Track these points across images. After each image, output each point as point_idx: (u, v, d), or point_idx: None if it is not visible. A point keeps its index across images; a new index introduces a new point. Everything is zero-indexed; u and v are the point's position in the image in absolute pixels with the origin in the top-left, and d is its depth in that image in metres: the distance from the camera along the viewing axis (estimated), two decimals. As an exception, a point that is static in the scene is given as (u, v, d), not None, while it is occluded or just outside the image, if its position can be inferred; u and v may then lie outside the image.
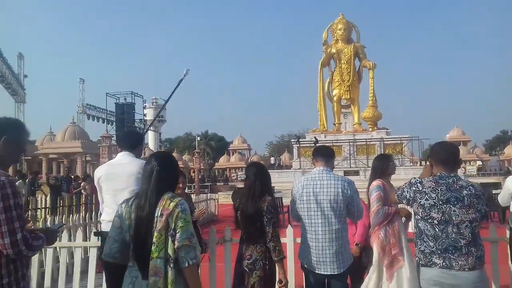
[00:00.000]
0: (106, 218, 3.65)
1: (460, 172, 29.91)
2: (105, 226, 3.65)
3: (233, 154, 55.29)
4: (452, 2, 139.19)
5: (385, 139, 29.56)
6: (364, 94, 32.34)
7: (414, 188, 2.85)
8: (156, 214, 2.34)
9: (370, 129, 30.98)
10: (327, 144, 29.41)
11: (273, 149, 63.45)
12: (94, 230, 5.37)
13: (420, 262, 2.83)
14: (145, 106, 38.92)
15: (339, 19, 32.61)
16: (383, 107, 35.65)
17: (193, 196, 14.58)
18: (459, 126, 54.54)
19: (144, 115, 35.10)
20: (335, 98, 32.62)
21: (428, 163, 3.22)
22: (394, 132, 31.12)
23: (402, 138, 28.86)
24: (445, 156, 2.91)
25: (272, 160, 42.91)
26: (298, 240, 4.56)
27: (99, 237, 4.22)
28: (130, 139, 3.84)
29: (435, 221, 2.73)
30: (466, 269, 2.66)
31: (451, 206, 2.71)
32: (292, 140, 31.13)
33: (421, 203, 2.79)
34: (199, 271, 2.52)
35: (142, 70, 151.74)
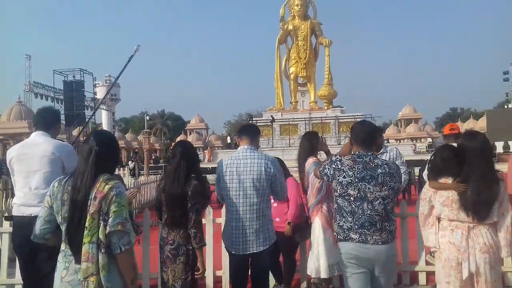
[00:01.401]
0: (17, 202, 3.38)
1: (410, 148, 31.03)
2: (16, 210, 3.37)
3: (190, 134, 54.67)
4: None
5: (339, 117, 29.97)
6: (320, 72, 32.49)
7: (334, 166, 3.02)
8: (90, 197, 2.21)
9: (326, 108, 31.28)
10: (283, 123, 29.69)
11: (231, 128, 63.20)
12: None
13: (339, 236, 3.01)
14: (96, 84, 37.45)
15: (296, -6, 32.27)
16: (338, 85, 36.02)
17: (142, 178, 14.25)
18: (411, 104, 56.09)
19: (95, 93, 33.75)
20: (292, 76, 32.55)
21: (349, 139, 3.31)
22: (349, 111, 31.61)
23: (356, 116, 29.29)
24: (363, 136, 3.06)
25: (229, 139, 42.71)
26: (218, 220, 4.53)
27: (11, 222, 3.93)
28: (45, 118, 3.53)
29: (352, 198, 2.90)
30: (379, 243, 2.87)
31: (366, 183, 2.89)
32: (250, 120, 30.99)
33: (339, 180, 2.95)
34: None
35: (94, 47, 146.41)
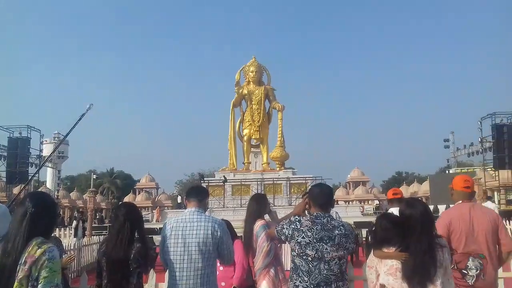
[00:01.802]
0: None
1: (359, 210, 31.69)
2: None
3: (139, 193, 53.15)
4: (351, 47, 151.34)
5: (291, 179, 30.38)
6: (273, 135, 33.26)
7: (293, 226, 3.07)
8: (20, 261, 2.09)
9: (278, 169, 31.74)
10: (235, 183, 29.60)
11: (182, 188, 62.20)
12: None
13: None
14: (44, 141, 36.20)
15: (251, 62, 33.67)
16: (290, 147, 36.83)
17: (86, 239, 13.57)
18: (359, 167, 57.88)
19: (41, 150, 32.52)
20: (245, 138, 33.11)
21: (303, 199, 3.47)
22: (300, 172, 32.19)
23: (306, 178, 29.85)
24: (322, 198, 3.20)
25: (179, 199, 41.90)
26: (161, 285, 4.37)
27: None
28: None
29: (309, 258, 2.96)
30: None
31: (323, 244, 2.97)
32: (201, 180, 30.76)
33: (298, 240, 3.01)
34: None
35: (43, 104, 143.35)
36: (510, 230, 12.98)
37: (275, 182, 29.92)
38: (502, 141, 26.97)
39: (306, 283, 2.96)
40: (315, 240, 2.98)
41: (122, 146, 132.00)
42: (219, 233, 3.23)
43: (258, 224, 4.17)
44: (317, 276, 2.95)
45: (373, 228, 3.27)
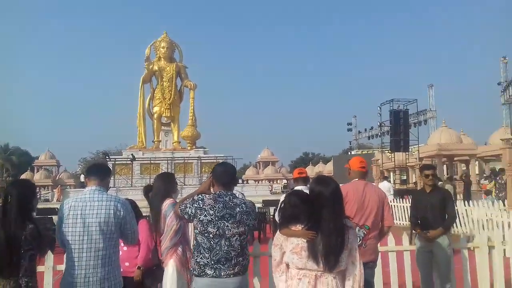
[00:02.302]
0: None
1: (268, 188, 32.64)
2: None
3: (38, 171, 49.51)
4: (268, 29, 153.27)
5: (202, 158, 30.26)
6: (184, 113, 32.73)
7: (196, 205, 3.12)
8: None
9: (189, 148, 31.41)
10: (144, 162, 28.76)
11: (86, 166, 59.08)
12: None
13: (195, 272, 3.15)
14: None
15: (162, 37, 32.49)
16: (202, 126, 36.59)
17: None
18: (269, 147, 59.33)
19: None
20: (155, 116, 32.16)
21: (208, 178, 3.46)
22: (211, 152, 32.18)
23: (218, 157, 29.93)
24: (225, 177, 3.28)
25: (82, 178, 39.82)
26: (60, 267, 4.14)
27: None
28: None
29: (211, 235, 3.07)
30: (231, 276, 3.08)
31: (225, 221, 3.09)
32: (106, 157, 29.43)
33: (200, 219, 3.09)
34: None
35: None
36: (403, 207, 14.23)
37: (186, 161, 29.61)
38: (398, 126, 29.27)
39: (207, 260, 3.06)
40: (217, 218, 3.08)
41: (19, 120, 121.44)
42: (122, 212, 3.12)
43: (167, 203, 4.08)
44: (218, 252, 3.06)
45: (282, 205, 3.15)
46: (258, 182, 44.52)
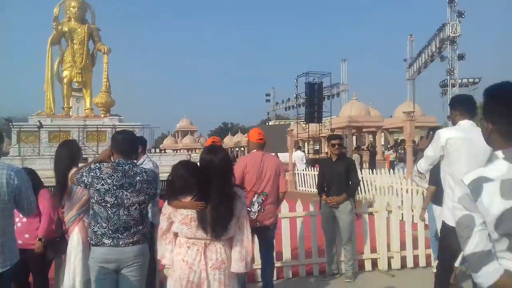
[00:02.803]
0: None
1: (186, 158, 32.37)
2: None
3: None
4: None
5: (117, 126, 29.06)
6: (97, 79, 31.02)
7: (92, 174, 3.04)
8: None
9: (103, 116, 29.96)
10: (53, 130, 27.01)
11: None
12: None
13: (92, 242, 3.11)
14: None
15: (73, -5, 30.07)
16: (117, 93, 35.01)
17: None
18: (188, 117, 58.59)
19: None
20: (65, 80, 29.94)
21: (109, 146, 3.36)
22: (127, 120, 31.04)
23: (134, 126, 28.89)
24: (124, 145, 3.20)
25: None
26: None
27: None
28: None
29: (108, 205, 3.02)
30: (130, 245, 3.05)
31: (123, 191, 3.04)
32: (9, 124, 27.17)
33: (97, 188, 3.02)
34: None
35: None
36: (314, 175, 14.92)
37: (99, 129, 28.19)
38: (313, 98, 30.26)
39: (105, 229, 3.02)
40: (115, 187, 3.03)
41: None
42: (16, 181, 2.89)
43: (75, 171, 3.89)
44: (116, 222, 3.03)
45: (169, 177, 3.10)
46: (176, 152, 43.96)
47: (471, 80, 34.34)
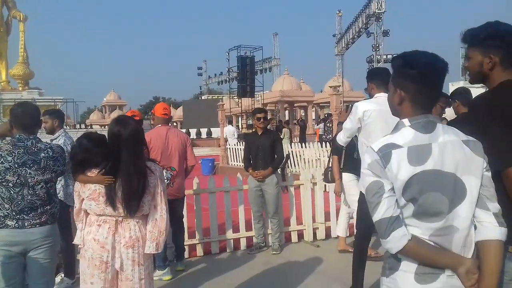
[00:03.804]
0: None
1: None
2: None
3: None
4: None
5: (37, 100, 27.23)
6: (14, 49, 28.71)
7: None
8: None
9: (21, 88, 28.01)
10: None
11: None
12: None
13: None
14: None
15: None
16: (36, 64, 32.70)
17: None
18: (115, 90, 56.36)
19: None
20: (-23, 50, 27.54)
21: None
22: (48, 93, 29.19)
23: (56, 100, 27.37)
24: (27, 121, 2.94)
25: None
26: None
27: None
28: None
29: (10, 184, 2.81)
30: (37, 226, 2.88)
31: (27, 168, 2.84)
32: None
33: None
34: None
35: None
36: (242, 149, 14.94)
37: (17, 103, 26.31)
38: (245, 72, 30.12)
39: (8, 211, 2.82)
40: (16, 165, 2.82)
41: None
42: None
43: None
44: (20, 202, 2.84)
45: (72, 150, 2.88)
46: (103, 127, 42.23)
47: (395, 55, 35.91)
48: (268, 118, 6.11)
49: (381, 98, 3.75)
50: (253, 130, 6.07)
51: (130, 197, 2.66)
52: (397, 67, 1.67)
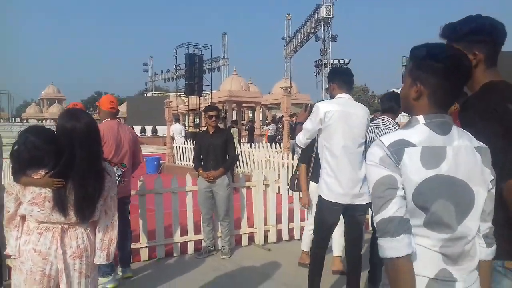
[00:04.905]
0: None
1: (53, 129, 29.53)
2: None
3: None
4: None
5: (-34, 91, 25.31)
6: None
7: None
8: None
9: None
10: None
11: None
12: None
13: None
14: None
15: None
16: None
17: None
18: (55, 84, 53.82)
19: None
20: None
21: None
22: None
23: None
24: None
25: None
26: None
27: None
28: None
29: None
30: None
31: None
32: None
33: None
34: None
35: None
36: (191, 148, 14.55)
37: None
38: (193, 70, 29.66)
39: None
40: None
41: None
42: None
43: None
44: None
45: (15, 147, 2.40)
46: (41, 122, 40.04)
47: (341, 61, 36.79)
48: (220, 116, 5.85)
49: (343, 98, 3.69)
50: (205, 128, 5.80)
51: (84, 203, 2.32)
52: (419, 59, 1.50)
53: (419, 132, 1.44)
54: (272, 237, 5.99)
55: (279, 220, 6.05)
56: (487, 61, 1.79)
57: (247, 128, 23.94)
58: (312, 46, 36.99)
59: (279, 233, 6.06)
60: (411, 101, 1.53)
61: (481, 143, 1.52)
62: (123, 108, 43.53)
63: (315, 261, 3.73)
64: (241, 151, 12.34)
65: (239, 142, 14.82)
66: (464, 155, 1.45)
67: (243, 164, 12.36)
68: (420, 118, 1.48)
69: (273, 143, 13.28)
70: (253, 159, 11.89)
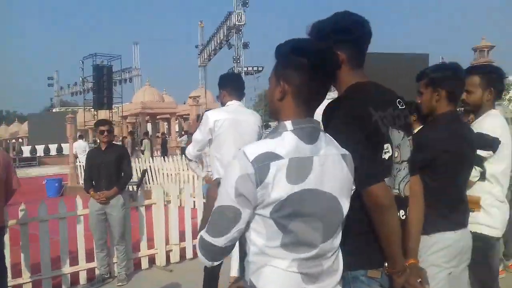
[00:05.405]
0: None
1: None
2: None
3: None
4: None
5: None
6: None
7: None
8: None
9: None
10: None
11: None
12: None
13: None
14: None
15: None
16: None
17: None
18: None
19: None
20: None
21: None
22: None
23: None
24: None
25: None
26: None
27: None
28: None
29: None
30: None
31: None
32: None
33: None
34: None
35: None
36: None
37: None
38: (101, 82, 28.27)
39: None
40: None
41: None
42: None
43: None
44: None
45: None
46: None
47: (255, 68, 37.32)
48: (113, 130, 5.40)
49: (233, 106, 3.61)
50: (97, 145, 5.32)
51: None
52: (283, 55, 1.36)
53: (286, 142, 1.29)
54: (175, 257, 5.61)
55: (182, 238, 5.69)
56: (351, 62, 1.66)
57: (162, 136, 23.33)
58: (225, 54, 36.99)
59: (182, 251, 5.69)
60: (276, 103, 1.38)
61: (345, 150, 1.41)
62: (25, 127, 40.47)
63: (209, 277, 3.55)
64: (151, 165, 11.84)
65: (152, 154, 14.27)
66: (331, 165, 1.34)
67: (153, 179, 11.83)
68: (288, 124, 1.33)
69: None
70: (163, 173, 11.41)
